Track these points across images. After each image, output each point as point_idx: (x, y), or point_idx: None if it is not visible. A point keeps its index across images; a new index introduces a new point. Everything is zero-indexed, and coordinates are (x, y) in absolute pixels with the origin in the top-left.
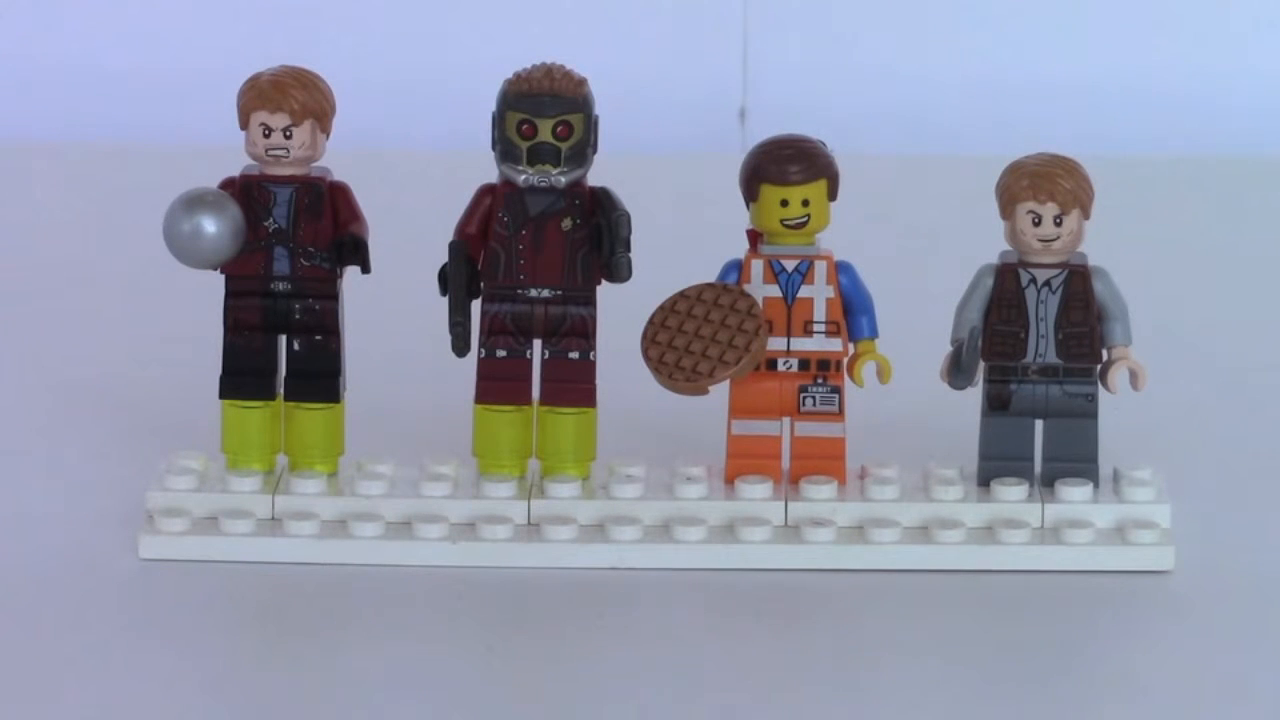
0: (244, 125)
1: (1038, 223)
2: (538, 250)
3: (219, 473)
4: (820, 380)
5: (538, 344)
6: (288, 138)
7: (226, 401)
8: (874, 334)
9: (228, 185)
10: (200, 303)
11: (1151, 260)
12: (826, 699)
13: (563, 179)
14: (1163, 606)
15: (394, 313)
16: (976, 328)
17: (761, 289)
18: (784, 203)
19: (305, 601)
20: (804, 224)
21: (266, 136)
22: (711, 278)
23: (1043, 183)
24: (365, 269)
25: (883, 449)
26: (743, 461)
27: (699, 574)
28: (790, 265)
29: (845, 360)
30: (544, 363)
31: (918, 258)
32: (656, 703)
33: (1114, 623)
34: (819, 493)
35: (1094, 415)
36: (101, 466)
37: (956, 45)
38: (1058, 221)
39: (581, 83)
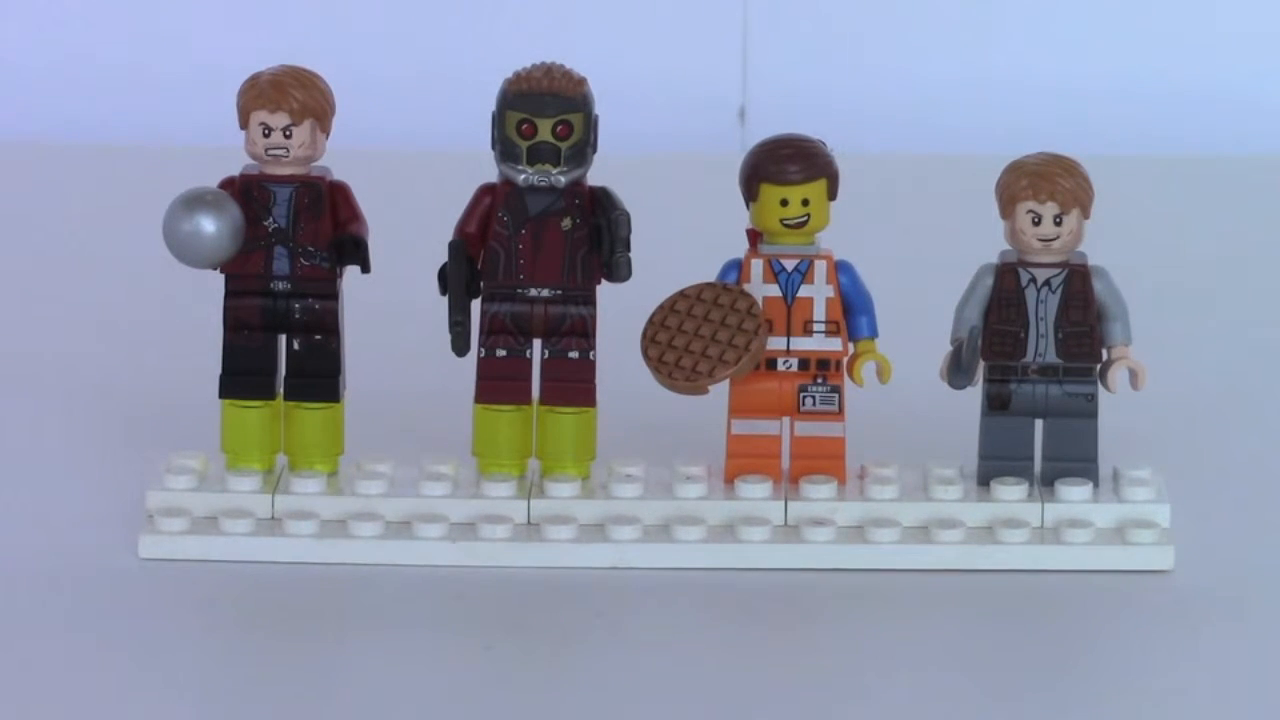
0: (244, 125)
1: (1037, 222)
2: (537, 250)
3: (219, 472)
4: (820, 380)
5: (537, 343)
6: (287, 137)
7: (226, 401)
8: (874, 334)
9: (228, 185)
10: (200, 303)
11: (1151, 260)
12: (826, 699)
13: (562, 178)
14: (1163, 606)
15: (394, 313)
16: (976, 327)
17: (761, 288)
18: (784, 202)
19: (305, 601)
20: (804, 223)
21: (266, 136)
22: (711, 277)
23: (1042, 182)
24: (365, 268)
25: (883, 449)
26: (742, 461)
27: (699, 574)
28: (790, 265)
29: (845, 360)
30: (544, 362)
31: (918, 258)
32: (656, 702)
33: (1114, 623)
34: (819, 492)
35: (1094, 415)
36: (101, 466)
37: (956, 45)
38: (1057, 221)
39: (581, 82)
